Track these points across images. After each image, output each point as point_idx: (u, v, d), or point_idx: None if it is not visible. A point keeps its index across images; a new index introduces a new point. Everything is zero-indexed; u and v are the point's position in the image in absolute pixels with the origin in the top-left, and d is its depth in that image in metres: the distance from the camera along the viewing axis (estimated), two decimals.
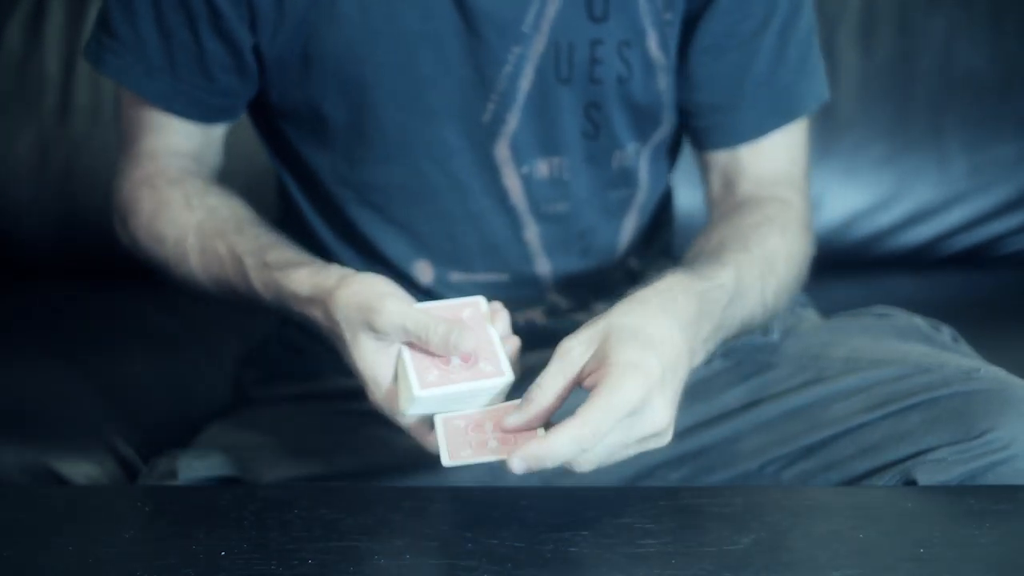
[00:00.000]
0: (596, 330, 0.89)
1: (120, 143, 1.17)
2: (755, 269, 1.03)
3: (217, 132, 1.17)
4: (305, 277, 0.98)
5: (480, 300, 0.98)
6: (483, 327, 0.95)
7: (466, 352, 0.91)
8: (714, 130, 1.16)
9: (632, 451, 0.88)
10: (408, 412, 0.92)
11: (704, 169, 1.19)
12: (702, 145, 1.18)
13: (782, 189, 1.15)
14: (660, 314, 0.91)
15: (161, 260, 1.11)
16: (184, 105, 1.13)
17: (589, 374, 0.88)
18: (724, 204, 1.16)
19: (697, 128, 1.17)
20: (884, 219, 1.74)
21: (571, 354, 0.89)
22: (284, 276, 0.99)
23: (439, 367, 0.92)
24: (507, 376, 0.92)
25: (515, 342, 0.96)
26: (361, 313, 0.92)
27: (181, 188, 1.11)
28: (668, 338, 0.90)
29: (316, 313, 0.96)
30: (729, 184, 1.16)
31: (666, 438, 0.89)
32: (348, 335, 0.93)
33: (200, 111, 1.13)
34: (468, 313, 0.96)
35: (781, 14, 1.12)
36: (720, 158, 1.17)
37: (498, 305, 0.97)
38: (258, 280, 1.02)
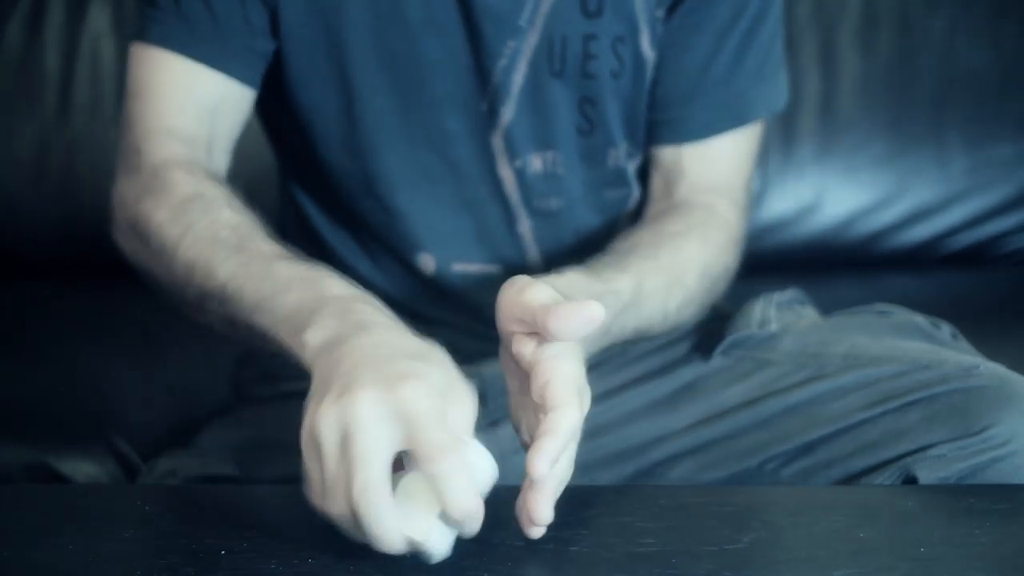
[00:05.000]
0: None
1: (120, 139, 1.12)
2: (659, 278, 1.03)
3: (229, 117, 1.12)
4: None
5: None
6: None
7: None
8: (663, 125, 1.16)
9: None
10: None
11: (649, 165, 1.19)
12: (649, 139, 1.17)
13: (716, 198, 1.15)
14: None
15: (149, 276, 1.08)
16: (230, 57, 1.09)
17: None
18: (658, 204, 1.16)
19: (648, 121, 1.17)
20: (884, 218, 1.74)
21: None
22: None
23: None
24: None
25: None
26: None
27: (168, 200, 1.04)
28: None
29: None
30: (668, 185, 1.16)
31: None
32: None
33: (245, 61, 1.10)
34: None
35: (748, 17, 1.13)
36: (665, 156, 1.17)
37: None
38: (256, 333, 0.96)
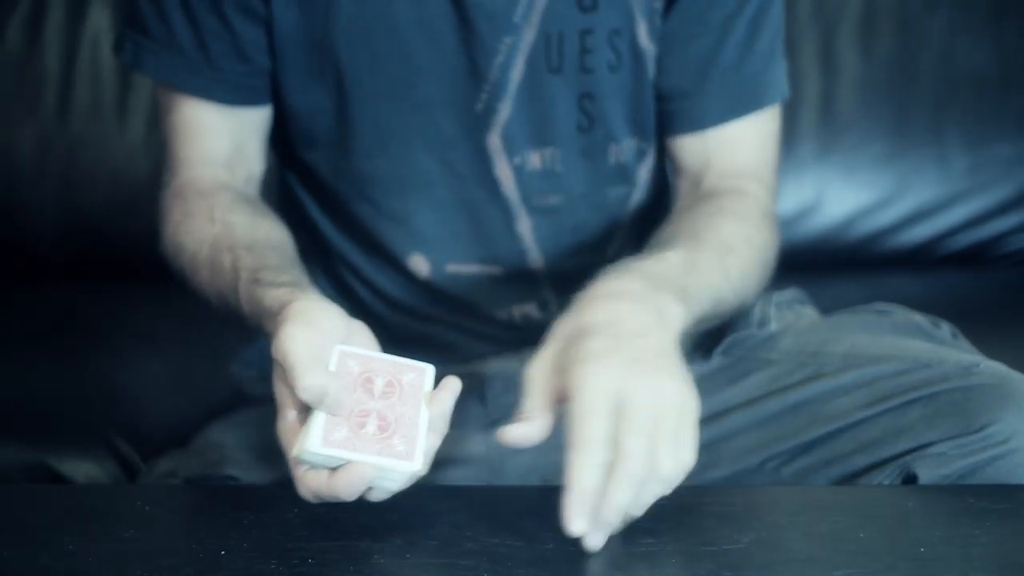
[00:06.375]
0: (552, 345, 0.88)
1: (164, 155, 1.17)
2: (708, 249, 1.03)
3: (252, 130, 1.16)
4: (281, 295, 0.93)
5: (428, 370, 0.91)
6: (417, 401, 0.88)
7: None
8: (680, 115, 1.15)
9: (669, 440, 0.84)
10: (300, 457, 0.85)
11: (672, 158, 1.18)
12: (669, 130, 1.17)
13: (744, 182, 1.14)
14: (606, 300, 0.90)
15: (180, 271, 1.10)
16: (225, 92, 1.13)
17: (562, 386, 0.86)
18: (688, 197, 1.16)
19: (664, 113, 1.17)
20: (884, 218, 1.74)
21: (534, 383, 0.87)
22: (264, 292, 0.95)
23: (351, 427, 0.85)
24: (415, 465, 0.85)
25: (439, 431, 0.89)
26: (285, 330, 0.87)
27: (208, 200, 1.11)
28: (619, 317, 0.88)
29: (272, 328, 0.91)
30: (695, 177, 1.16)
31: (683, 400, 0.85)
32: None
33: (241, 95, 1.13)
34: (409, 379, 0.89)
35: (755, 2, 1.12)
36: (687, 147, 1.16)
37: (451, 385, 0.90)
38: (244, 294, 0.99)
